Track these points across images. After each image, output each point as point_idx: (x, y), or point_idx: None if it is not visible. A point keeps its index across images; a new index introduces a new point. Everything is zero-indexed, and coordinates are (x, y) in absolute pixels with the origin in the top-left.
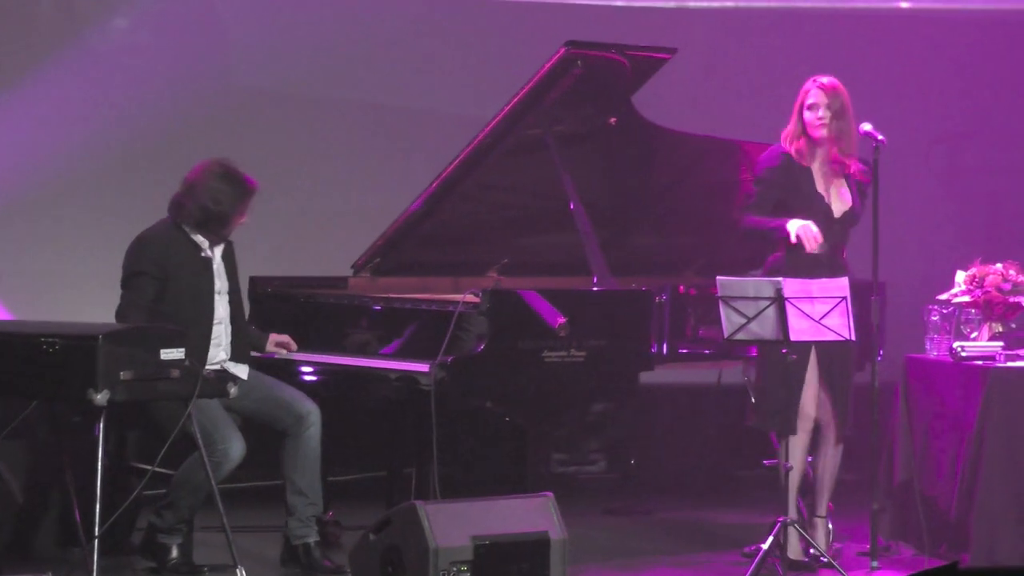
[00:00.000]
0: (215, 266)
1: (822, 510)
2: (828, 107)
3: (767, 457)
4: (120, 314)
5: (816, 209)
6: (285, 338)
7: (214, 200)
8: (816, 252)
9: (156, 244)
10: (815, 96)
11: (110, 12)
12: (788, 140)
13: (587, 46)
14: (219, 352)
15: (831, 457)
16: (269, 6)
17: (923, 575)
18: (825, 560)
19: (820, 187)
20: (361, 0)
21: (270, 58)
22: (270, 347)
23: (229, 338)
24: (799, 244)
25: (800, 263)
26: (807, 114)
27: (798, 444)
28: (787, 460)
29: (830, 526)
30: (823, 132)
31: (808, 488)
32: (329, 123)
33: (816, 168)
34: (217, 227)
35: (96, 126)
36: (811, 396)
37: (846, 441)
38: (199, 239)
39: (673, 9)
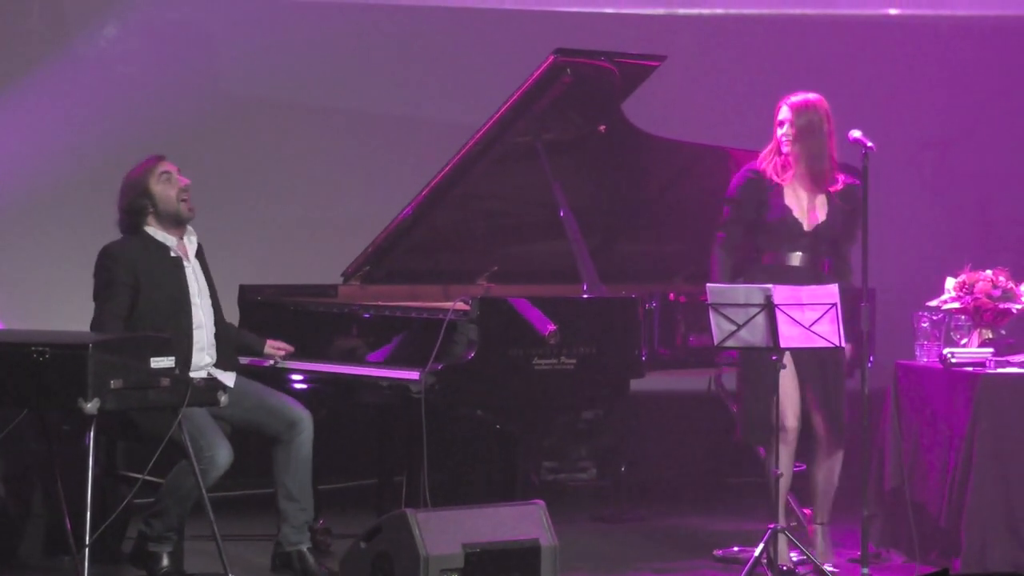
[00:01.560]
0: (189, 268)
1: (821, 518)
2: (793, 124)
3: (760, 466)
4: (96, 325)
5: (784, 223)
6: (282, 345)
7: (124, 191)
8: (791, 265)
9: (123, 251)
10: (783, 113)
11: (100, 20)
12: (767, 155)
13: (576, 54)
14: (204, 356)
15: (827, 465)
16: (258, 15)
17: None
18: (831, 570)
19: (790, 200)
20: (350, 8)
21: (260, 66)
22: (267, 350)
23: (214, 342)
24: (768, 257)
25: (776, 275)
26: (777, 130)
27: (784, 452)
28: (776, 467)
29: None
30: (787, 149)
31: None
32: (318, 131)
33: (791, 182)
34: (147, 205)
35: (86, 134)
36: (790, 406)
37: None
38: (164, 238)
39: (663, 16)
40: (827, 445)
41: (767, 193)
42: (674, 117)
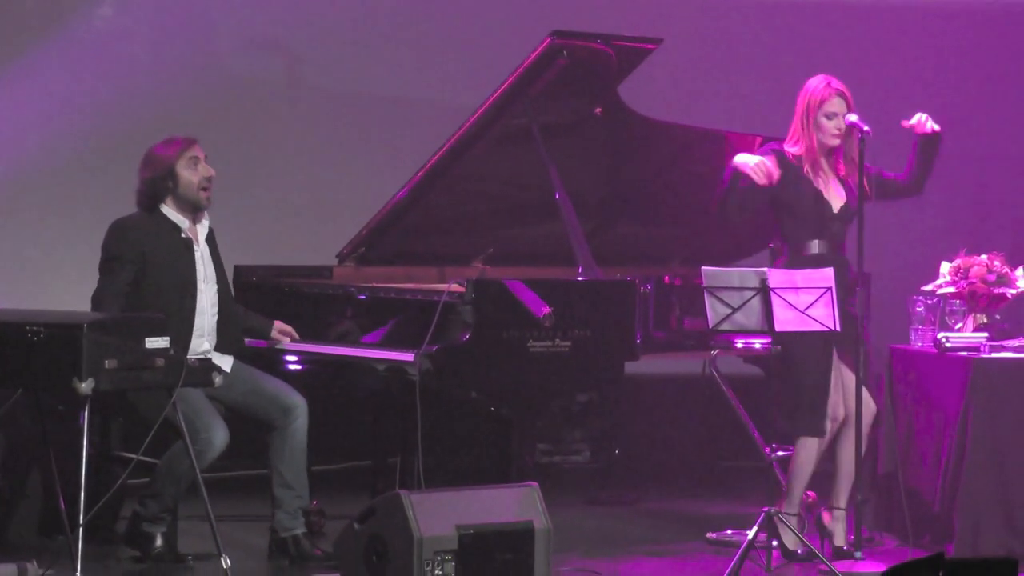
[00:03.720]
0: (198, 252)
1: (841, 502)
2: (846, 116)
3: (754, 449)
4: (94, 300)
5: (816, 206)
6: (289, 328)
7: (150, 165)
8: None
9: (132, 228)
10: (837, 105)
11: (96, 0)
12: (798, 144)
13: (572, 36)
14: (203, 343)
15: (845, 449)
16: None
17: (907, 566)
18: (856, 555)
19: (818, 183)
20: None
21: (256, 47)
22: (274, 334)
23: (214, 329)
24: (810, 246)
25: (803, 264)
26: (825, 122)
27: (819, 445)
28: (780, 450)
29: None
30: (837, 142)
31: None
32: (315, 112)
33: (811, 168)
34: (170, 186)
35: (81, 115)
36: (839, 398)
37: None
38: (177, 219)
39: None
40: (844, 429)
41: (793, 174)
42: (670, 100)
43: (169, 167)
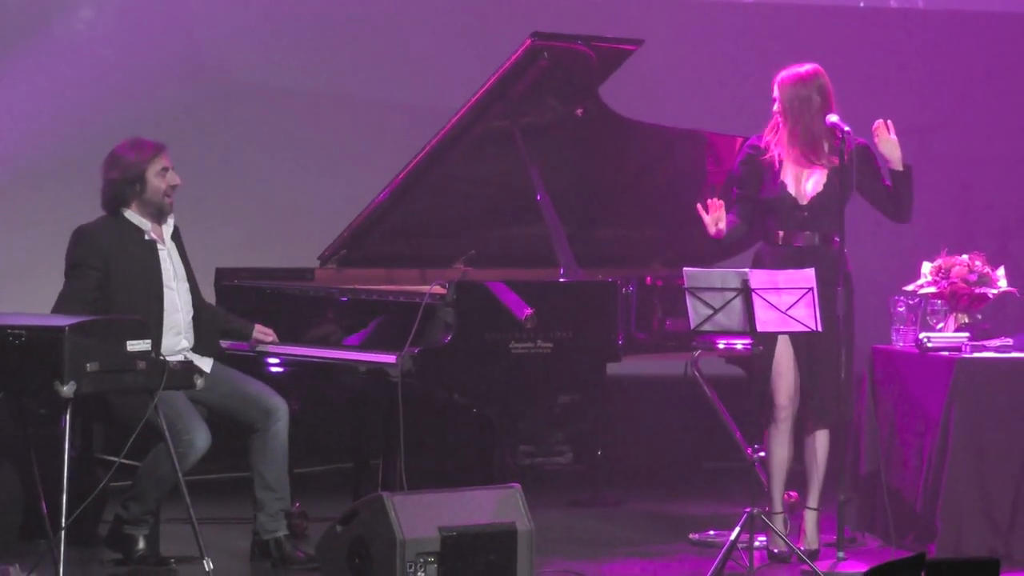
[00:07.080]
0: (163, 252)
1: (812, 502)
2: (781, 102)
3: (736, 449)
4: (56, 305)
5: (779, 197)
6: (269, 331)
7: (119, 166)
8: (798, 246)
9: (95, 234)
10: (774, 91)
11: (77, 2)
12: (768, 132)
13: (553, 37)
14: (180, 340)
15: (813, 448)
16: None
17: (889, 566)
18: (803, 552)
19: (786, 175)
20: None
21: (238, 49)
22: (256, 334)
23: (190, 326)
24: (778, 237)
25: (786, 255)
26: (773, 108)
27: (776, 435)
28: (763, 451)
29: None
30: (780, 128)
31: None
32: (295, 114)
33: (787, 157)
34: (137, 190)
35: (60, 118)
36: (785, 387)
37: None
38: (141, 222)
39: None
40: (813, 428)
41: (762, 167)
42: (651, 101)
43: (140, 172)
